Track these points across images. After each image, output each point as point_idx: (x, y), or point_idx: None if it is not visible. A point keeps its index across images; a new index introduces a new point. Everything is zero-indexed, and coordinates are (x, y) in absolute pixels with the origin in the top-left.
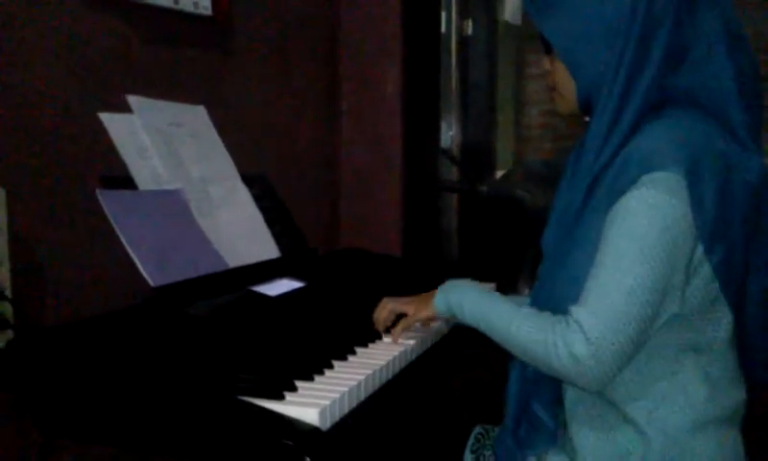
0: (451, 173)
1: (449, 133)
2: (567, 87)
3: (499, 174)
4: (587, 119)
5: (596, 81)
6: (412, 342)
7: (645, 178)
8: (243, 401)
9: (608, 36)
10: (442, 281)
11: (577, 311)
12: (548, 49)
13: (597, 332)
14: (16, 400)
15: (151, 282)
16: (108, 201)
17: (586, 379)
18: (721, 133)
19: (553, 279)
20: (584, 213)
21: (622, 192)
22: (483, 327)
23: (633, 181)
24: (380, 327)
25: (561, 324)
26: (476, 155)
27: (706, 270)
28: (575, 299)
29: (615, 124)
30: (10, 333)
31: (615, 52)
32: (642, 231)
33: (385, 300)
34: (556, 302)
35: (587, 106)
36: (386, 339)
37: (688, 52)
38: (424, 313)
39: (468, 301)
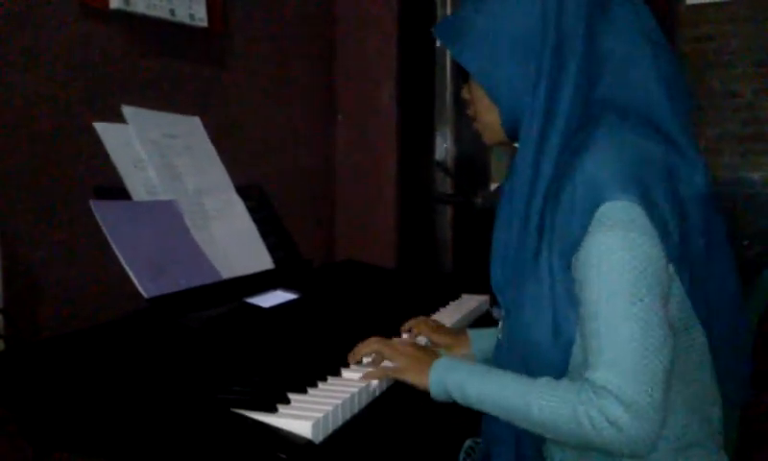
0: (446, 185)
1: (444, 146)
2: (490, 115)
3: (494, 186)
4: (516, 145)
5: (518, 103)
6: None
7: (603, 212)
8: (236, 414)
9: (521, 54)
10: (436, 294)
11: (595, 375)
12: (465, 77)
13: (629, 390)
14: (8, 413)
15: (144, 294)
16: (102, 212)
17: (634, 445)
18: (660, 142)
19: (515, 322)
20: (539, 253)
21: (582, 233)
22: (494, 411)
23: (588, 218)
24: (352, 361)
25: (586, 392)
26: (471, 167)
27: (676, 289)
28: (557, 344)
29: (543, 146)
30: (1, 345)
31: (530, 69)
32: (626, 272)
33: (373, 339)
34: (538, 347)
35: (513, 132)
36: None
37: (607, 61)
38: (413, 380)
39: (471, 385)
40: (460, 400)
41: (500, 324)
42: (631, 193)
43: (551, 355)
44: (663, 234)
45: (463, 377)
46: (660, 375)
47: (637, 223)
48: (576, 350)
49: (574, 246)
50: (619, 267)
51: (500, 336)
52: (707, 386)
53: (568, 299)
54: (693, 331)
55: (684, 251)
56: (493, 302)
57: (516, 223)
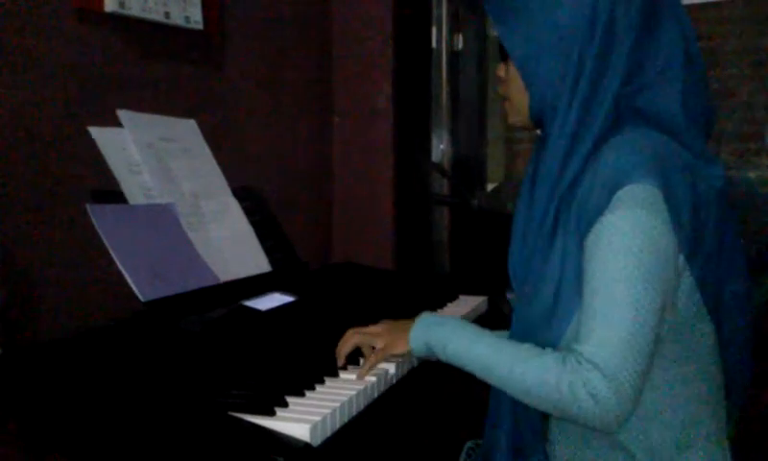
0: (442, 186)
1: (440, 147)
2: (520, 98)
3: (490, 187)
4: (538, 132)
5: (550, 93)
6: (401, 358)
7: (621, 194)
8: (234, 417)
9: (563, 48)
10: (433, 296)
11: (584, 347)
12: (505, 55)
13: (613, 366)
14: (4, 416)
15: (141, 297)
16: (99, 215)
17: (607, 418)
18: (679, 144)
19: (528, 304)
20: (554, 235)
21: (598, 213)
22: (474, 369)
23: (607, 200)
24: (340, 361)
25: (570, 363)
26: (467, 168)
27: (686, 279)
28: (552, 323)
29: (577, 140)
30: None
31: (572, 64)
32: (632, 253)
33: (350, 332)
34: (534, 327)
35: (538, 118)
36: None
37: (643, 73)
38: (397, 349)
39: (454, 341)
40: (441, 357)
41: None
42: (652, 177)
43: (546, 332)
44: (677, 224)
45: (446, 334)
46: (644, 357)
47: (654, 207)
48: (572, 327)
49: (589, 225)
50: (626, 248)
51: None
52: (717, 383)
53: (577, 280)
54: (703, 325)
55: (696, 244)
56: (508, 287)
57: (537, 211)
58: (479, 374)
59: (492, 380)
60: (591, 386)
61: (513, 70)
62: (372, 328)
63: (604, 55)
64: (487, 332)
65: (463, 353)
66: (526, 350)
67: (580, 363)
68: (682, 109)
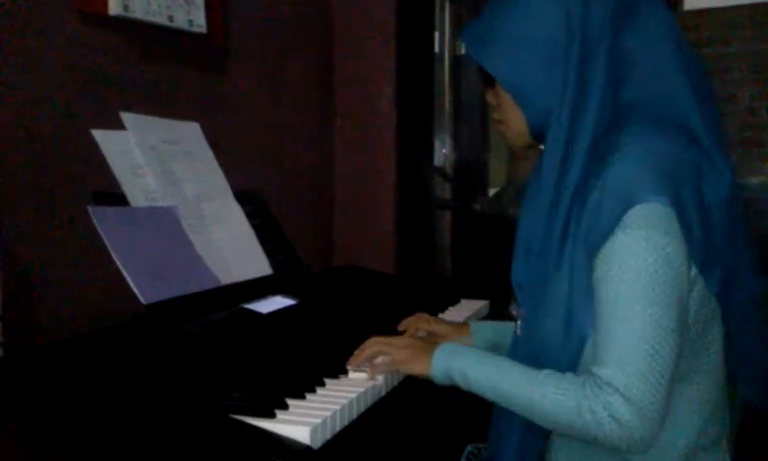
0: (445, 191)
1: (443, 152)
2: (516, 118)
3: (492, 192)
4: (542, 147)
5: (546, 105)
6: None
7: (632, 213)
8: (235, 420)
9: (548, 56)
10: (435, 300)
11: (603, 371)
12: (489, 82)
13: (635, 389)
14: (5, 418)
15: (143, 300)
16: (101, 218)
17: (632, 440)
18: (688, 145)
19: (534, 319)
20: (563, 247)
21: (608, 230)
22: (495, 397)
23: (618, 217)
24: (354, 365)
25: (590, 387)
26: (469, 173)
27: (696, 292)
28: (564, 340)
29: (570, 149)
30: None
31: (557, 74)
32: (647, 272)
33: (372, 340)
34: (535, 341)
35: (540, 133)
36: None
37: (634, 65)
38: (415, 370)
39: (474, 370)
40: (462, 386)
41: (518, 322)
42: (663, 195)
43: (561, 351)
44: (689, 237)
45: (466, 362)
46: (666, 377)
47: (665, 225)
48: (589, 347)
49: (600, 243)
50: (641, 268)
51: (519, 333)
52: (722, 392)
53: (586, 296)
54: (712, 334)
55: (711, 254)
56: (512, 299)
57: (541, 222)
58: (501, 402)
59: (513, 407)
60: (613, 409)
61: (503, 94)
62: (393, 341)
63: (586, 54)
64: (507, 360)
65: (483, 381)
66: (545, 375)
67: (600, 387)
68: (689, 95)
